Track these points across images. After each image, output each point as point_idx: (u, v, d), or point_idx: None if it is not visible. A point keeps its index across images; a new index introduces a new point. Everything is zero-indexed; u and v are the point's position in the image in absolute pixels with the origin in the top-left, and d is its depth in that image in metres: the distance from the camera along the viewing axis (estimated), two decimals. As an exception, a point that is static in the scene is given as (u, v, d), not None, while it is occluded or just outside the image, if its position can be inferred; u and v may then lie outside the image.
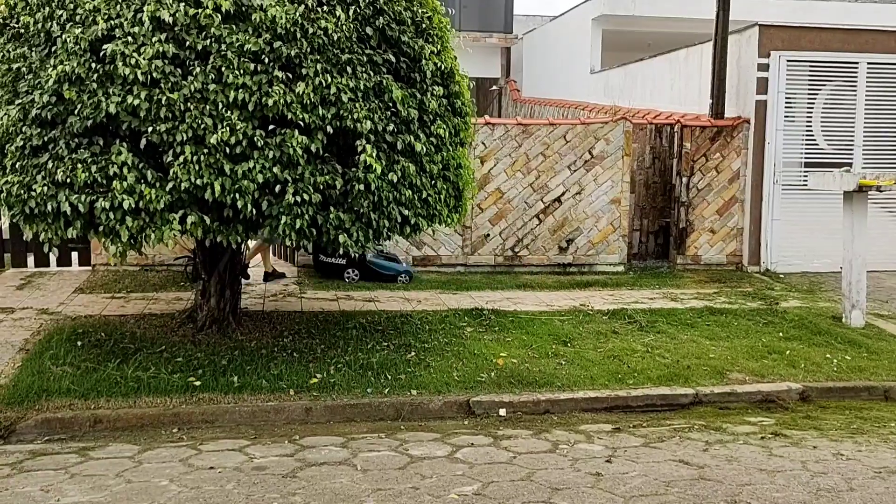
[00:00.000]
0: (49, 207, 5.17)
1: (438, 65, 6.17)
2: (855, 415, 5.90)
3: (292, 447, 4.98)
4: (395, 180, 5.69)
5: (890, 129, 10.65)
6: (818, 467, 4.77)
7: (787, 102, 10.37)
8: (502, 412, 5.69)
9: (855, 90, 10.46)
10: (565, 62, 18.12)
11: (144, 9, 5.23)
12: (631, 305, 8.34)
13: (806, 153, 10.51)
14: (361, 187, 5.52)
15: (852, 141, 10.52)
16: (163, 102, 5.17)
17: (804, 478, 4.60)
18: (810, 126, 10.54)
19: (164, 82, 5.21)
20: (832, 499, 4.33)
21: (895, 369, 6.73)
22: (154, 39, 5.21)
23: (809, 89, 10.53)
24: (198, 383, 5.71)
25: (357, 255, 8.70)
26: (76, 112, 5.23)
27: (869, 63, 10.42)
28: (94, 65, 5.24)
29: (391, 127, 5.73)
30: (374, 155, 5.52)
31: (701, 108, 11.17)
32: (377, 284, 8.96)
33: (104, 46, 5.21)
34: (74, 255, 9.46)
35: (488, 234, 9.95)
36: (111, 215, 5.11)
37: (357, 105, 5.55)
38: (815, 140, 10.53)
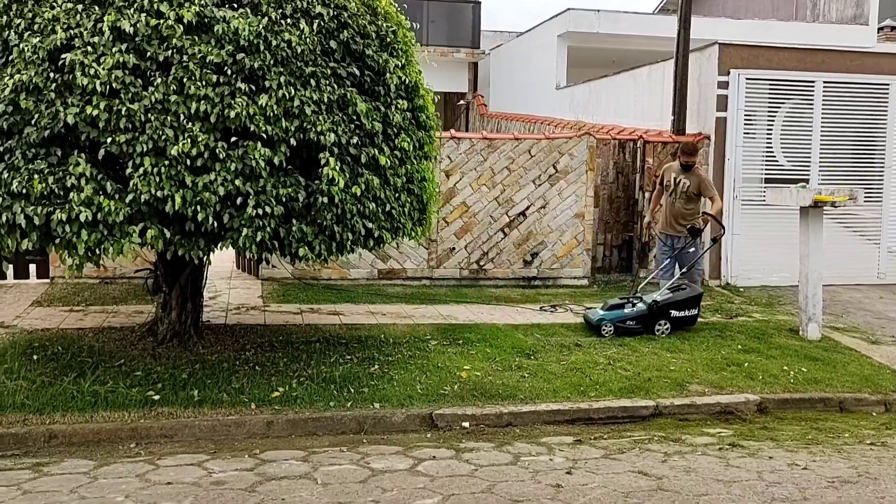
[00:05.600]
0: (4, 219, 5.07)
1: (403, 78, 6.20)
2: (810, 426, 6.02)
3: (252, 461, 4.93)
4: (359, 193, 5.69)
5: (845, 146, 10.93)
6: (773, 477, 4.85)
7: (746, 119, 10.60)
8: (465, 425, 5.70)
9: (812, 108, 10.73)
10: (531, 78, 18.31)
11: (105, 19, 5.18)
12: (594, 318, 8.41)
13: (766, 169, 10.74)
14: (325, 200, 5.52)
15: (809, 157, 10.78)
16: (122, 113, 5.12)
17: (759, 488, 4.68)
18: (770, 142, 10.78)
19: (124, 93, 5.16)
20: (786, 508, 4.41)
21: (850, 381, 6.88)
22: (114, 50, 5.16)
23: (769, 107, 10.78)
24: (157, 397, 5.63)
25: None
26: (33, 122, 5.16)
27: (825, 82, 10.71)
28: (52, 74, 5.17)
29: (355, 140, 5.74)
30: (337, 168, 5.52)
31: (663, 125, 11.37)
32: (341, 296, 8.93)
33: (63, 56, 5.15)
34: (32, 267, 9.28)
35: (454, 248, 9.98)
36: (67, 227, 5.03)
37: (321, 118, 5.55)
38: (774, 156, 10.77)
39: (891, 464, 5.17)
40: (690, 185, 8.58)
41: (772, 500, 4.51)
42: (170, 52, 5.26)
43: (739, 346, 7.65)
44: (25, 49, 5.20)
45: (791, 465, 5.08)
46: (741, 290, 10.37)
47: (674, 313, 7.90)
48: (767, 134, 10.78)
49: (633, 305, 7.93)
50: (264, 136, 5.36)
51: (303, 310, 8.31)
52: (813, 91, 10.69)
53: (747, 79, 10.53)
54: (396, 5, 6.51)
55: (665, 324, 7.87)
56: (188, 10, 5.25)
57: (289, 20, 5.60)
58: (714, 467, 5.00)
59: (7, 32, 5.36)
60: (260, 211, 5.30)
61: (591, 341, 7.56)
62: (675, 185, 8.65)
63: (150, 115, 5.17)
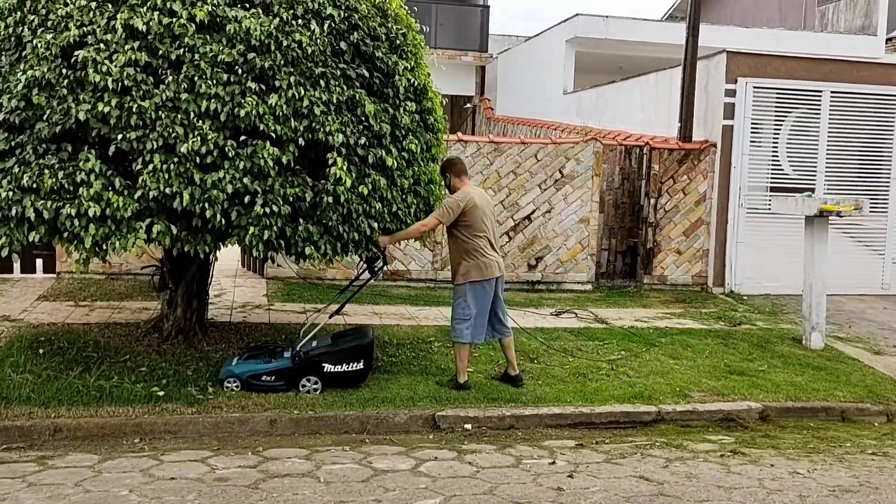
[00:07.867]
0: (13, 212, 5.12)
1: (412, 81, 6.23)
2: (812, 434, 6.02)
3: (256, 459, 4.96)
4: (366, 193, 5.71)
5: (851, 157, 10.93)
6: (774, 485, 4.86)
7: (753, 128, 10.61)
8: (467, 427, 5.72)
9: (819, 118, 10.73)
10: (539, 82, 18.34)
11: (118, 16, 5.22)
12: (597, 324, 8.43)
13: (771, 178, 10.74)
14: (331, 200, 5.54)
15: (815, 167, 10.78)
16: (133, 110, 5.16)
17: (760, 495, 4.69)
18: (776, 151, 10.78)
19: (135, 90, 5.20)
20: (787, 516, 4.42)
21: (852, 391, 6.88)
22: (126, 47, 5.20)
23: (776, 115, 10.79)
24: (161, 393, 5.66)
25: None
26: (45, 118, 5.20)
27: (832, 92, 10.71)
28: (64, 71, 5.21)
29: (363, 141, 5.77)
30: (344, 168, 5.54)
31: (670, 131, 11.38)
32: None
33: (76, 53, 5.19)
34: (39, 262, 9.33)
35: (458, 250, 9.98)
36: (76, 222, 5.07)
37: (329, 118, 5.59)
38: (780, 165, 10.76)
39: (892, 473, 5.17)
40: None
41: (772, 507, 4.53)
42: (181, 50, 5.30)
43: (742, 354, 7.65)
44: (39, 45, 5.24)
45: (792, 472, 5.09)
46: (745, 297, 10.37)
47: None
48: (774, 143, 10.79)
49: None
50: (273, 135, 5.40)
51: (307, 309, 8.33)
52: (820, 101, 10.69)
53: (754, 87, 10.54)
54: (406, 8, 6.54)
55: None
56: (200, 10, 5.29)
57: (300, 21, 5.63)
58: (715, 474, 5.01)
59: (21, 28, 5.41)
60: (267, 210, 5.34)
61: (594, 346, 7.57)
62: None
63: (160, 112, 5.21)
